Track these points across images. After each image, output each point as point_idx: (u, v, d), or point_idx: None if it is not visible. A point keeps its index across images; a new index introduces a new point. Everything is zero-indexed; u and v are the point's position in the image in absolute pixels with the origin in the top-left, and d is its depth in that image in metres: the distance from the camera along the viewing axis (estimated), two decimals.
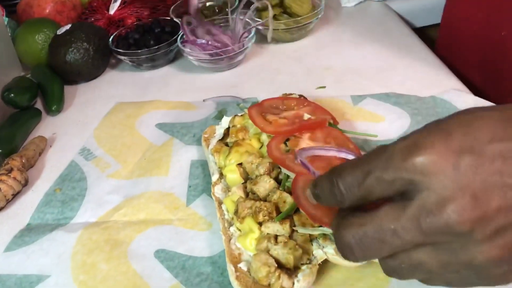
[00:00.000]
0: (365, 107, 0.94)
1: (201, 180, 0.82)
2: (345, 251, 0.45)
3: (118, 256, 0.70)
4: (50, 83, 1.11)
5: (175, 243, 0.72)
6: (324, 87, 1.02)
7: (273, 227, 0.63)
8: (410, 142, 0.42)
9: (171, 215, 0.77)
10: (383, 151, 0.43)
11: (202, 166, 0.85)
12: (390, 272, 0.47)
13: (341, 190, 0.44)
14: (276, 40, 1.21)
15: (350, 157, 0.69)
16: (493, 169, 0.40)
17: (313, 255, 0.63)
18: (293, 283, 0.60)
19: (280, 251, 0.61)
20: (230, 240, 0.67)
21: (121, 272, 0.68)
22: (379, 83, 1.01)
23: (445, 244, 0.41)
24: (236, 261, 0.64)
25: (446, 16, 1.15)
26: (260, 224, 0.65)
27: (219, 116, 0.95)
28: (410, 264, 0.44)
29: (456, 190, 0.39)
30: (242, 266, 0.63)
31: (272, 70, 1.11)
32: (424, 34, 1.29)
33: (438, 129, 0.42)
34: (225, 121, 0.86)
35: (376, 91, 0.97)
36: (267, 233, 0.64)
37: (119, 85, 1.15)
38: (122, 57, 1.16)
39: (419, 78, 1.01)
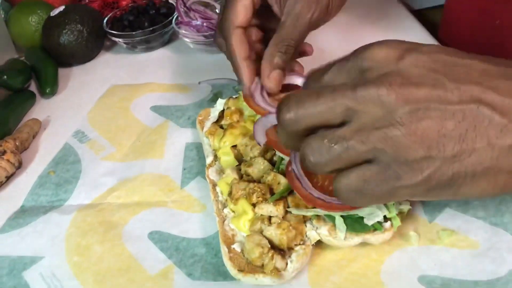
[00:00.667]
0: None
1: (196, 163, 0.82)
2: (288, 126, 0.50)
3: (113, 238, 0.70)
4: (44, 65, 1.10)
5: (169, 225, 0.71)
6: None
7: (267, 208, 0.63)
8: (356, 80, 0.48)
9: (166, 197, 0.76)
10: (329, 87, 0.49)
11: (196, 148, 0.85)
12: (308, 151, 0.49)
13: (285, 123, 0.50)
14: None
15: None
16: (431, 67, 0.45)
17: (306, 236, 0.63)
18: (287, 264, 0.60)
19: (274, 232, 0.61)
20: (224, 221, 0.67)
21: (115, 254, 0.68)
22: None
23: (369, 113, 0.45)
24: (229, 242, 0.64)
25: (449, 3, 1.14)
26: (253, 205, 0.65)
27: (214, 99, 0.94)
28: (332, 138, 0.46)
29: (393, 73, 0.45)
30: (236, 247, 0.63)
31: None
32: (424, 16, 1.28)
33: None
34: (220, 104, 0.86)
35: None
36: (261, 214, 0.64)
37: (113, 67, 1.14)
38: (116, 39, 1.15)
39: None
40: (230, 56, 0.74)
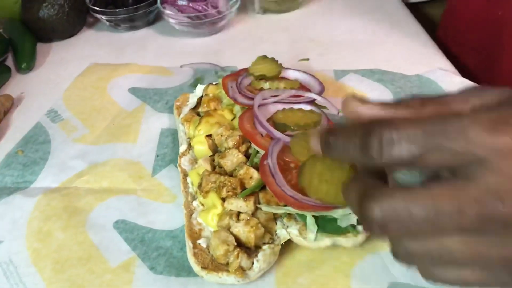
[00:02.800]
0: (348, 83, 0.90)
1: (170, 150, 0.79)
2: (374, 226, 0.37)
3: (76, 225, 0.67)
4: (21, 39, 1.05)
5: (136, 214, 0.68)
6: (308, 59, 0.98)
7: (236, 204, 0.60)
8: (498, 118, 0.35)
9: (135, 185, 0.73)
10: (456, 118, 0.35)
11: (172, 135, 0.81)
12: (403, 256, 0.39)
13: (382, 142, 0.36)
14: (264, 10, 1.15)
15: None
16: None
17: (276, 234, 0.60)
18: (252, 263, 0.57)
19: (241, 229, 0.58)
20: (191, 214, 0.64)
21: (77, 242, 0.65)
22: (364, 58, 0.96)
23: (495, 235, 0.35)
24: (195, 237, 0.61)
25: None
26: (223, 199, 0.62)
27: (195, 84, 0.91)
28: (437, 250, 0.37)
29: None
30: (202, 242, 0.60)
31: (255, 39, 1.06)
32: (419, 10, 1.24)
33: None
34: (199, 89, 0.82)
35: (360, 66, 0.93)
36: (230, 210, 0.61)
37: (95, 45, 1.10)
38: (99, 16, 1.10)
39: (407, 55, 0.97)
40: None
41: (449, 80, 0.86)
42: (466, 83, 0.84)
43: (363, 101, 0.42)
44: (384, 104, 0.41)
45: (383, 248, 0.61)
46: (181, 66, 0.98)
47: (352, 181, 0.42)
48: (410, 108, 0.40)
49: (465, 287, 0.39)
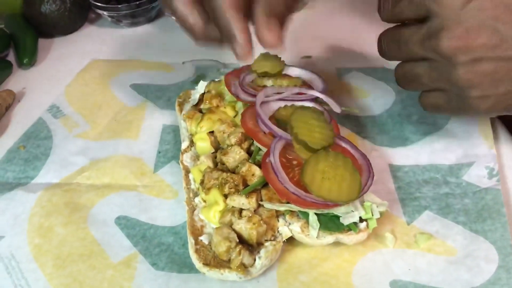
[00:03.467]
0: (350, 80, 0.90)
1: (172, 147, 0.78)
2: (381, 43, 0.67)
3: (77, 221, 0.67)
4: (23, 34, 1.05)
5: (138, 211, 0.68)
6: (310, 56, 0.97)
7: (239, 200, 0.60)
8: None
9: (137, 181, 0.73)
10: None
11: (174, 131, 0.81)
12: (400, 76, 0.66)
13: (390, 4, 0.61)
14: None
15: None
16: (492, 14, 0.52)
17: (278, 231, 0.60)
18: (255, 260, 0.57)
19: (244, 226, 0.58)
20: (193, 211, 0.64)
21: (78, 238, 0.65)
22: (367, 56, 0.96)
23: (436, 62, 0.57)
24: (197, 233, 0.61)
25: None
26: (226, 196, 0.62)
27: (197, 80, 0.90)
28: (411, 73, 0.62)
29: (455, 22, 0.53)
30: (204, 239, 0.60)
31: None
32: None
33: None
34: (201, 86, 0.82)
35: (363, 64, 0.93)
36: (232, 206, 0.61)
37: (96, 41, 1.10)
38: (101, 12, 1.10)
39: None
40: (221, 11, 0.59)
41: None
42: None
43: None
44: None
45: (385, 245, 0.61)
46: (183, 63, 0.97)
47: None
48: None
49: (437, 111, 0.65)
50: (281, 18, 0.61)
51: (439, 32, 0.55)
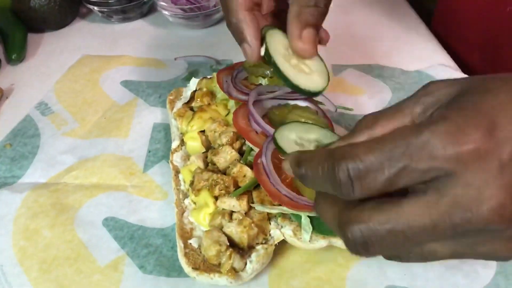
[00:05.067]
0: (346, 78, 0.88)
1: (162, 146, 0.76)
2: (358, 248, 0.38)
3: (64, 223, 0.65)
4: (12, 29, 1.02)
5: (127, 212, 0.66)
6: None
7: (229, 203, 0.58)
8: (452, 128, 0.35)
9: (126, 181, 0.71)
10: (414, 134, 0.35)
11: (165, 130, 0.79)
12: (393, 257, 0.42)
13: (351, 178, 0.36)
14: None
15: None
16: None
17: (270, 235, 0.58)
18: (245, 264, 0.55)
19: (234, 229, 0.56)
20: (183, 213, 0.62)
21: (65, 241, 0.63)
22: (363, 53, 0.94)
23: (469, 237, 0.37)
24: (187, 236, 0.59)
25: None
26: (216, 198, 0.60)
27: (189, 77, 0.88)
28: (421, 254, 0.40)
29: (498, 187, 0.34)
30: (193, 242, 0.58)
31: None
32: (420, 4, 1.22)
33: (479, 112, 0.35)
34: (193, 83, 0.80)
35: (359, 61, 0.91)
36: (223, 209, 0.59)
37: (87, 36, 1.07)
38: (91, 7, 1.07)
39: (407, 50, 0.94)
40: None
41: (449, 76, 0.84)
42: None
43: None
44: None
45: None
46: (175, 59, 0.95)
47: (320, 198, 0.43)
48: (366, 130, 0.40)
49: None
50: (314, 27, 0.58)
51: (480, 204, 0.35)
